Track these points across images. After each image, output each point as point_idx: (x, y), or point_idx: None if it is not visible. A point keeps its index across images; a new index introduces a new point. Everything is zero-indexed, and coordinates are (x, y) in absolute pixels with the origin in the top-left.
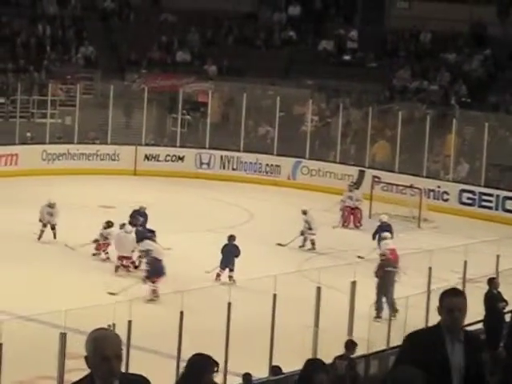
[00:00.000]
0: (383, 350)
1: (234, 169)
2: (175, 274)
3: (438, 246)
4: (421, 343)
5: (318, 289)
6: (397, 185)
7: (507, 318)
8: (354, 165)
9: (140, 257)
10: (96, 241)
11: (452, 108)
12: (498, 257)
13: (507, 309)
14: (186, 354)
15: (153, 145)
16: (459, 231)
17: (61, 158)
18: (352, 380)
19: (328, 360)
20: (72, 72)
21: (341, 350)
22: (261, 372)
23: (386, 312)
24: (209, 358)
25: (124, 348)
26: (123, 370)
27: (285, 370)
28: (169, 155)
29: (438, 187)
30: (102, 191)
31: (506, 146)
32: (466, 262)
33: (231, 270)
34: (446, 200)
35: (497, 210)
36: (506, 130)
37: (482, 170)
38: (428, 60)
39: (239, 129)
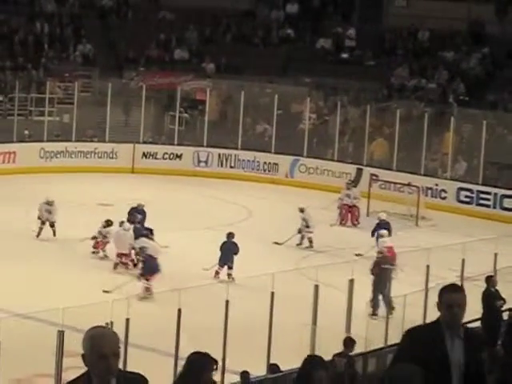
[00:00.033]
0: (381, 348)
1: (231, 167)
2: (173, 272)
3: (435, 244)
4: (420, 339)
5: (316, 287)
6: (395, 183)
7: (505, 316)
8: (351, 163)
9: (136, 254)
10: (94, 238)
11: (450, 106)
12: (495, 255)
13: (505, 307)
14: (184, 352)
15: (151, 143)
16: (457, 229)
17: (59, 155)
18: (351, 378)
19: (326, 358)
20: (70, 70)
21: (339, 348)
22: (259, 370)
23: (382, 309)
24: (208, 356)
25: (122, 346)
26: (121, 367)
27: (283, 367)
28: (167, 153)
29: (436, 185)
30: (100, 189)
31: (503, 144)
32: (463, 260)
33: (230, 268)
34: (444, 198)
35: (495, 208)
36: (504, 128)
37: (479, 168)
38: (426, 58)
39: (237, 127)
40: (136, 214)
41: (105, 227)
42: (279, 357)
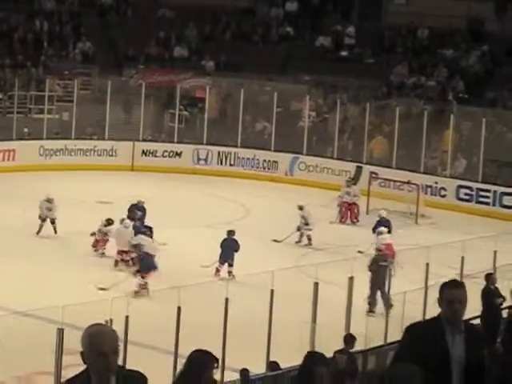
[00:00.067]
0: (381, 346)
1: (231, 164)
2: (172, 270)
3: (435, 242)
4: (420, 335)
5: (316, 284)
6: (394, 181)
7: (504, 313)
8: (351, 161)
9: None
10: (93, 234)
11: (449, 104)
12: (495, 252)
13: (504, 304)
14: (184, 350)
15: (150, 140)
16: (456, 227)
17: (58, 153)
18: (351, 374)
19: (326, 355)
20: (69, 68)
21: (338, 345)
22: (258, 368)
23: (380, 307)
24: (209, 354)
25: (121, 344)
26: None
27: (282, 365)
28: (166, 151)
29: (436, 183)
30: (100, 187)
31: (503, 142)
32: (463, 258)
33: (230, 265)
34: (444, 196)
35: (494, 205)
36: (504, 125)
37: (479, 165)
38: (425, 56)
39: (237, 124)
40: (136, 211)
41: (105, 226)
42: (279, 354)
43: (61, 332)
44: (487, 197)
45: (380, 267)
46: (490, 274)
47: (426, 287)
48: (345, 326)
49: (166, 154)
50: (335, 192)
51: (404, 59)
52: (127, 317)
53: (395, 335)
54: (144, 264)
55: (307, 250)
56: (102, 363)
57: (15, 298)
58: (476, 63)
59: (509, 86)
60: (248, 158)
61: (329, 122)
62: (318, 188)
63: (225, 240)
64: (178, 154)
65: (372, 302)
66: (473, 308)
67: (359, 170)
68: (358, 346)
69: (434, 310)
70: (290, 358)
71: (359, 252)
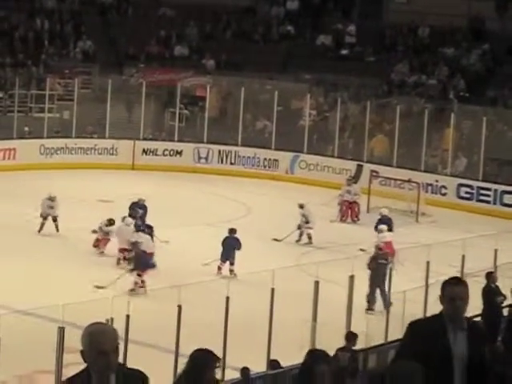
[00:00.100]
0: (382, 344)
1: (231, 163)
2: (173, 268)
3: (435, 240)
4: (422, 332)
5: (316, 283)
6: (395, 179)
7: (505, 312)
8: (352, 159)
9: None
10: (94, 231)
11: (450, 102)
12: (495, 251)
13: (505, 303)
14: (184, 349)
15: (151, 139)
16: (457, 225)
17: (59, 152)
18: (352, 373)
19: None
20: (70, 66)
21: (339, 344)
22: (259, 366)
23: (380, 304)
24: (211, 353)
25: (121, 342)
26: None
27: (283, 364)
28: (167, 149)
29: (436, 181)
30: (100, 185)
31: (504, 140)
32: (463, 256)
33: (232, 264)
34: (444, 194)
35: (495, 204)
36: (504, 124)
37: (480, 164)
38: (426, 54)
39: (237, 123)
40: (137, 209)
41: (107, 226)
42: (279, 353)
43: (61, 331)
44: (488, 195)
45: (379, 265)
46: (491, 272)
47: (427, 285)
48: (345, 324)
49: (167, 152)
50: (336, 190)
51: (405, 58)
52: (128, 316)
53: (396, 334)
54: (140, 261)
55: (308, 249)
56: (103, 362)
57: (16, 297)
58: (477, 62)
59: (509, 84)
60: (249, 157)
61: (329, 120)
62: (318, 186)
63: (226, 238)
64: (179, 153)
65: (371, 300)
66: (473, 306)
67: (360, 168)
68: (359, 345)
69: (434, 308)
70: (291, 357)
71: (361, 250)
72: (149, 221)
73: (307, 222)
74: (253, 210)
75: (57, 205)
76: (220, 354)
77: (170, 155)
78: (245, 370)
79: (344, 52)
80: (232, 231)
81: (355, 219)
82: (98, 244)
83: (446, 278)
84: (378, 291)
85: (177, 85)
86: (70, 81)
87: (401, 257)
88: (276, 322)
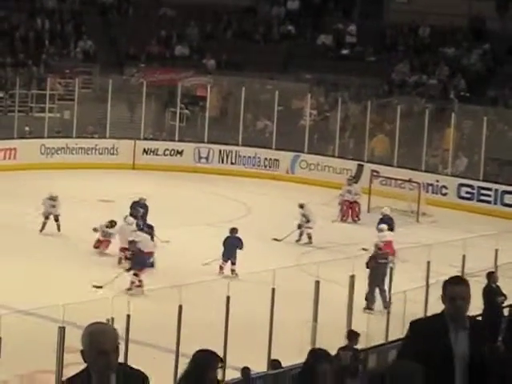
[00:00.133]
0: (382, 344)
1: (232, 163)
2: (174, 268)
3: (436, 240)
4: (423, 332)
5: (317, 283)
6: (395, 179)
7: (506, 312)
8: (352, 159)
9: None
10: (96, 230)
11: (451, 102)
12: (496, 251)
13: (506, 303)
14: (185, 348)
15: (151, 139)
16: (458, 225)
17: (59, 152)
18: (353, 372)
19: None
20: (71, 66)
21: (340, 344)
22: (259, 366)
23: (379, 304)
24: (213, 354)
25: (122, 342)
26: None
27: (283, 364)
28: (167, 149)
29: (437, 181)
30: (101, 185)
31: (504, 140)
32: (464, 256)
33: (233, 264)
34: (445, 194)
35: (495, 204)
36: (505, 124)
37: (480, 164)
38: (427, 54)
39: (238, 123)
40: (138, 208)
41: (108, 227)
42: (280, 353)
43: (62, 330)
44: (488, 195)
45: (379, 265)
46: (492, 272)
47: (427, 285)
48: (346, 324)
49: (167, 152)
50: (336, 190)
51: (405, 57)
52: (128, 315)
53: (396, 333)
54: (137, 261)
55: (308, 249)
56: (103, 361)
57: (17, 297)
58: (477, 62)
59: (510, 84)
60: (249, 157)
61: (330, 120)
62: (319, 186)
63: (227, 238)
64: (179, 153)
65: (370, 299)
66: (474, 306)
67: (360, 168)
68: (359, 345)
69: (435, 308)
70: (291, 357)
71: (363, 249)
72: (149, 221)
73: (308, 222)
74: (253, 209)
75: (59, 204)
76: (220, 354)
77: (171, 155)
78: (245, 370)
79: (345, 52)
80: (233, 231)
81: (356, 219)
82: (98, 245)
83: (447, 278)
84: (377, 291)
85: (177, 85)
86: (71, 81)
87: (401, 256)
88: (276, 321)
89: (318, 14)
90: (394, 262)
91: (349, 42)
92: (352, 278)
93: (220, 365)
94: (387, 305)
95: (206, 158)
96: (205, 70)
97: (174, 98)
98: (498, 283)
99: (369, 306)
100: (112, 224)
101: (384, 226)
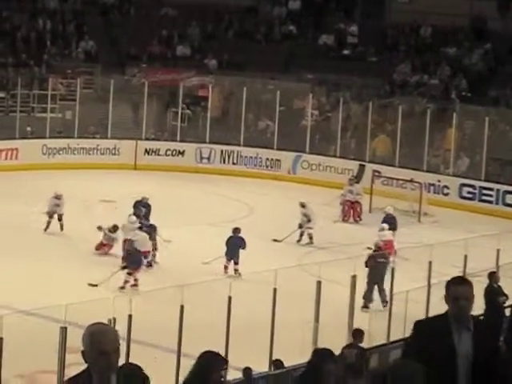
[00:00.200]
0: (383, 344)
1: (234, 163)
2: (175, 268)
3: (438, 240)
4: (427, 332)
5: (319, 283)
6: (397, 179)
7: (507, 312)
8: (354, 159)
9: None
10: (100, 228)
11: (452, 102)
12: (498, 251)
13: (507, 303)
14: (187, 349)
15: (153, 139)
16: (459, 225)
17: (61, 152)
18: (356, 372)
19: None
20: (72, 66)
21: (341, 344)
22: (261, 366)
23: (378, 303)
24: (218, 355)
25: (124, 342)
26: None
27: (285, 364)
28: (169, 149)
29: (439, 181)
30: (103, 185)
31: (506, 140)
32: (466, 256)
33: (236, 263)
34: (447, 194)
35: (497, 204)
36: (507, 124)
37: (482, 164)
38: (428, 54)
39: (239, 123)
40: (141, 208)
41: (110, 232)
42: (282, 353)
43: (64, 331)
44: (490, 195)
45: (378, 264)
46: (493, 272)
47: (429, 285)
48: (348, 324)
49: (169, 152)
50: (338, 190)
51: (407, 57)
52: (130, 315)
53: (398, 334)
54: (132, 260)
55: (310, 249)
56: (103, 362)
57: (18, 297)
58: (479, 61)
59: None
60: (251, 157)
61: (332, 120)
62: (320, 186)
63: (230, 238)
64: (181, 153)
65: (367, 298)
66: (476, 306)
67: (362, 168)
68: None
69: (437, 309)
70: (293, 357)
71: (368, 248)
72: (151, 220)
73: (309, 221)
74: (255, 210)
75: (63, 203)
76: (222, 354)
77: (173, 155)
78: (247, 370)
79: (346, 52)
80: (236, 230)
81: (357, 219)
82: (100, 248)
83: (449, 278)
84: (375, 290)
85: (179, 85)
86: (73, 81)
87: (403, 257)
88: (278, 321)
89: (319, 13)
90: (395, 261)
91: (350, 42)
92: (353, 278)
93: (225, 366)
94: (386, 304)
95: (208, 159)
96: (206, 70)
97: (176, 98)
98: (499, 283)
99: (365, 305)
100: (115, 229)
101: (385, 226)
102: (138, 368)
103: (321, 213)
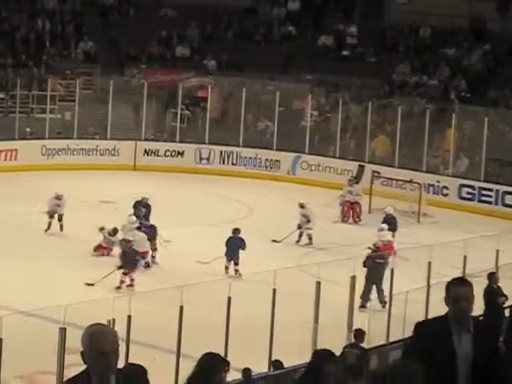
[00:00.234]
0: (383, 345)
1: (233, 164)
2: (175, 268)
3: (437, 241)
4: (427, 333)
5: (318, 283)
6: (396, 179)
7: (507, 312)
8: (353, 160)
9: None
10: (102, 229)
11: (451, 103)
12: (497, 251)
13: (507, 303)
14: (186, 349)
15: (152, 140)
16: (459, 226)
17: (60, 153)
18: (359, 370)
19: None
20: (71, 67)
21: (341, 344)
22: (260, 367)
23: (376, 303)
24: (220, 357)
25: (123, 343)
26: (123, 365)
27: (284, 364)
28: (168, 150)
29: (438, 182)
30: (102, 186)
31: (505, 141)
32: (465, 257)
33: (236, 264)
34: (446, 195)
35: (496, 204)
36: (506, 124)
37: (481, 164)
38: (427, 55)
39: (239, 124)
40: (141, 208)
41: (110, 235)
42: (281, 354)
43: (63, 331)
44: (489, 196)
45: (376, 264)
46: (493, 273)
47: (429, 286)
48: (347, 325)
49: (168, 153)
50: (337, 191)
51: (406, 58)
52: (129, 316)
53: (397, 334)
54: (129, 260)
55: (309, 250)
56: (102, 363)
57: (18, 298)
58: (478, 62)
59: (511, 85)
60: (250, 158)
61: (331, 121)
62: (320, 187)
63: (230, 238)
64: (180, 154)
65: (364, 298)
66: (475, 307)
67: (361, 168)
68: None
69: (436, 309)
70: (292, 358)
71: (369, 248)
72: (151, 221)
73: (308, 222)
74: (254, 210)
75: (63, 203)
76: (222, 355)
77: (172, 156)
78: (246, 371)
79: (345, 53)
80: (236, 231)
81: (357, 220)
82: (98, 249)
83: (448, 279)
84: (373, 290)
85: (178, 85)
86: (72, 82)
87: (403, 257)
88: (277, 322)
89: (318, 14)
90: (395, 261)
91: (349, 42)
92: (353, 278)
93: (226, 368)
94: (384, 304)
95: (207, 159)
96: (205, 70)
97: (175, 99)
98: (499, 284)
99: (363, 304)
100: (115, 232)
101: (384, 226)
102: (140, 370)
103: (320, 213)
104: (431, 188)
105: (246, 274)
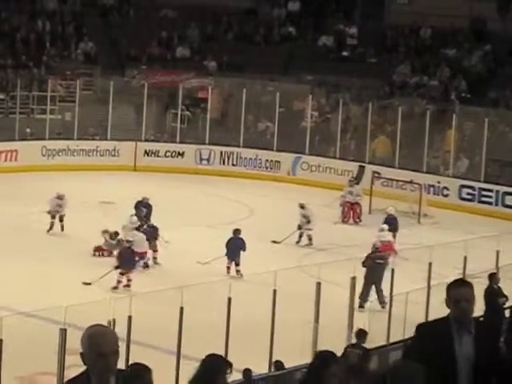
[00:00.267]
0: (383, 346)
1: (233, 164)
2: (175, 269)
3: (437, 242)
4: (429, 334)
5: (318, 284)
6: (397, 180)
7: (507, 313)
8: (353, 160)
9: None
10: (105, 232)
11: (452, 103)
12: (497, 252)
13: (507, 304)
14: (186, 350)
15: (152, 140)
16: (459, 227)
17: (60, 153)
18: (360, 370)
19: None
20: (72, 68)
21: (341, 345)
22: (261, 368)
23: (376, 304)
24: (222, 358)
25: (123, 344)
26: (123, 366)
27: (285, 365)
28: (169, 151)
29: (438, 183)
30: (102, 187)
31: (505, 142)
32: (465, 258)
33: (237, 264)
34: (446, 195)
35: (496, 205)
36: (506, 125)
37: (481, 165)
38: (428, 55)
39: (239, 124)
40: (142, 208)
41: (111, 238)
42: (281, 354)
43: (63, 332)
44: (490, 196)
45: (376, 264)
46: (493, 273)
47: (429, 287)
48: (347, 325)
49: (169, 154)
50: (338, 192)
51: (406, 59)
52: (130, 317)
53: (397, 335)
54: (125, 261)
55: (309, 250)
56: (102, 364)
57: (18, 299)
58: (478, 63)
59: (511, 85)
60: (250, 158)
61: (331, 121)
62: (320, 188)
63: (231, 239)
64: (181, 154)
65: (363, 298)
66: (476, 308)
67: (362, 169)
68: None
69: (436, 310)
70: (293, 358)
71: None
72: (152, 221)
73: (308, 223)
74: (255, 211)
75: (65, 203)
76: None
77: (172, 156)
78: (247, 372)
79: (346, 53)
80: (236, 232)
81: (357, 220)
82: (97, 251)
83: (448, 279)
84: (372, 290)
85: (178, 86)
86: (72, 82)
87: (403, 258)
88: (278, 323)
89: (318, 15)
90: (395, 262)
91: (350, 43)
92: (353, 279)
93: (229, 370)
94: (384, 305)
95: (208, 160)
96: (206, 71)
97: (175, 100)
98: (499, 284)
99: (361, 304)
100: (116, 236)
101: (385, 226)
102: (144, 369)
103: (320, 214)
104: (431, 189)
105: (247, 275)
